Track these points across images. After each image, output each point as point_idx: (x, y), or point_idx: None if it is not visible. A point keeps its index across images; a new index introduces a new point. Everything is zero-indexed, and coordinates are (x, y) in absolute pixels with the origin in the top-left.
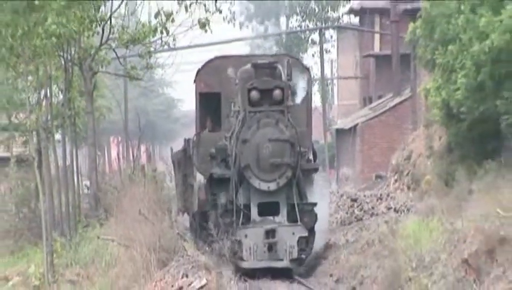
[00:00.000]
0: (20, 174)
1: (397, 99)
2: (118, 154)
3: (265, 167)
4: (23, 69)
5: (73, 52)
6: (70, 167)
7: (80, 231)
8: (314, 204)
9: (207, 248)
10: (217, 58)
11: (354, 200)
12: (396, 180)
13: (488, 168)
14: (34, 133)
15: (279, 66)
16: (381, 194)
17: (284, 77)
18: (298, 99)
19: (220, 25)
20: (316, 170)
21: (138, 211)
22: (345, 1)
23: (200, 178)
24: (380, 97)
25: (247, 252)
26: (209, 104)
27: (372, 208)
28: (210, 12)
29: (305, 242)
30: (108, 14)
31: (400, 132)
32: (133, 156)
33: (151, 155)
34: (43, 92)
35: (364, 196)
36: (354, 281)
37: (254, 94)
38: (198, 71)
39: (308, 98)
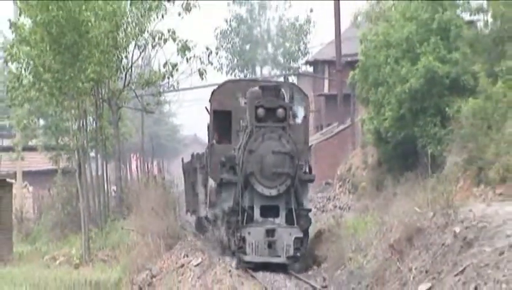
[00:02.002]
0: (65, 182)
1: (341, 127)
2: (136, 167)
3: (268, 175)
4: (68, 104)
5: (103, 93)
6: (101, 176)
7: (108, 223)
8: (309, 210)
9: (201, 236)
10: (229, 81)
11: (310, 200)
12: (340, 186)
13: (408, 177)
14: (75, 151)
15: (283, 90)
16: (329, 196)
17: (286, 99)
18: (299, 120)
19: (211, 72)
20: (311, 180)
21: (151, 209)
22: (303, 55)
23: (211, 183)
24: (328, 125)
25: (249, 248)
26: (221, 120)
27: (323, 206)
28: (204, 63)
29: (300, 242)
30: (130, 64)
31: (343, 150)
32: (147, 168)
33: (161, 168)
34: (81, 122)
35: (317, 197)
36: (309, 260)
37: (260, 111)
38: (213, 92)
39: (306, 120)
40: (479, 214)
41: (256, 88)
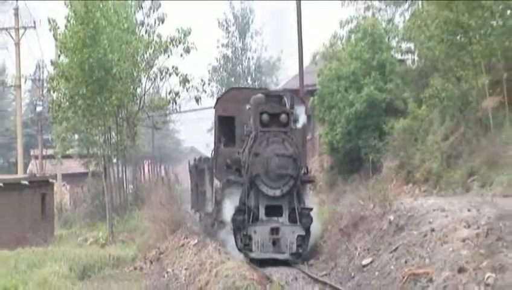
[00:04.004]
0: (94, 182)
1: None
2: (148, 171)
3: (272, 177)
4: (96, 123)
5: (123, 114)
6: (121, 177)
7: (127, 213)
8: (311, 209)
9: (199, 221)
10: (233, 89)
11: None
12: None
13: (354, 178)
14: (102, 158)
15: (285, 97)
16: None
17: (288, 106)
18: (298, 125)
19: (205, 98)
20: (312, 181)
21: (159, 202)
22: (275, 85)
23: (217, 183)
24: None
25: (255, 245)
26: (225, 125)
27: None
28: (200, 91)
29: (302, 240)
30: (143, 93)
31: (305, 157)
32: (156, 171)
33: (167, 171)
34: (106, 136)
35: None
36: None
37: (265, 117)
38: (218, 99)
39: (305, 125)
40: (408, 206)
41: (260, 95)
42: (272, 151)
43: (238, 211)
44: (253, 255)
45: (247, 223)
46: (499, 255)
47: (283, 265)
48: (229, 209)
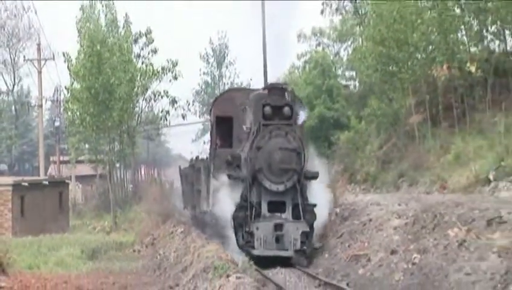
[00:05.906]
0: (101, 182)
1: None
2: (144, 173)
3: (276, 171)
4: (102, 135)
5: (124, 128)
6: (123, 178)
7: (127, 207)
8: (315, 205)
9: (189, 213)
10: (230, 90)
11: None
12: None
13: None
14: (107, 163)
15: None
16: None
17: (289, 99)
18: (299, 122)
19: (190, 116)
20: (315, 177)
21: (153, 198)
22: None
23: (214, 182)
24: None
25: (258, 242)
26: (222, 126)
27: None
28: (185, 110)
29: (306, 236)
30: (140, 111)
31: None
32: (151, 173)
33: (160, 173)
34: (110, 146)
35: None
36: None
37: (267, 109)
38: (215, 100)
39: (303, 122)
40: (351, 201)
41: (261, 91)
42: (275, 145)
43: (240, 207)
44: (255, 252)
45: (249, 220)
46: (423, 240)
47: (286, 267)
48: (229, 206)
